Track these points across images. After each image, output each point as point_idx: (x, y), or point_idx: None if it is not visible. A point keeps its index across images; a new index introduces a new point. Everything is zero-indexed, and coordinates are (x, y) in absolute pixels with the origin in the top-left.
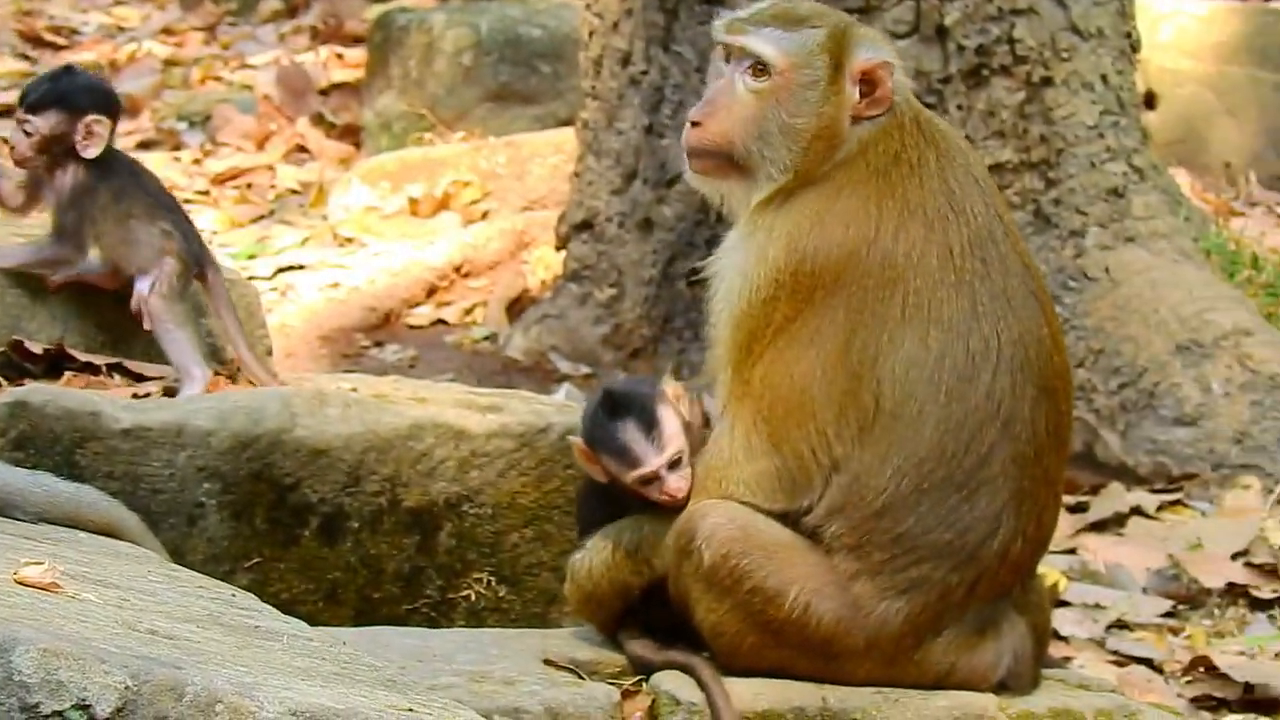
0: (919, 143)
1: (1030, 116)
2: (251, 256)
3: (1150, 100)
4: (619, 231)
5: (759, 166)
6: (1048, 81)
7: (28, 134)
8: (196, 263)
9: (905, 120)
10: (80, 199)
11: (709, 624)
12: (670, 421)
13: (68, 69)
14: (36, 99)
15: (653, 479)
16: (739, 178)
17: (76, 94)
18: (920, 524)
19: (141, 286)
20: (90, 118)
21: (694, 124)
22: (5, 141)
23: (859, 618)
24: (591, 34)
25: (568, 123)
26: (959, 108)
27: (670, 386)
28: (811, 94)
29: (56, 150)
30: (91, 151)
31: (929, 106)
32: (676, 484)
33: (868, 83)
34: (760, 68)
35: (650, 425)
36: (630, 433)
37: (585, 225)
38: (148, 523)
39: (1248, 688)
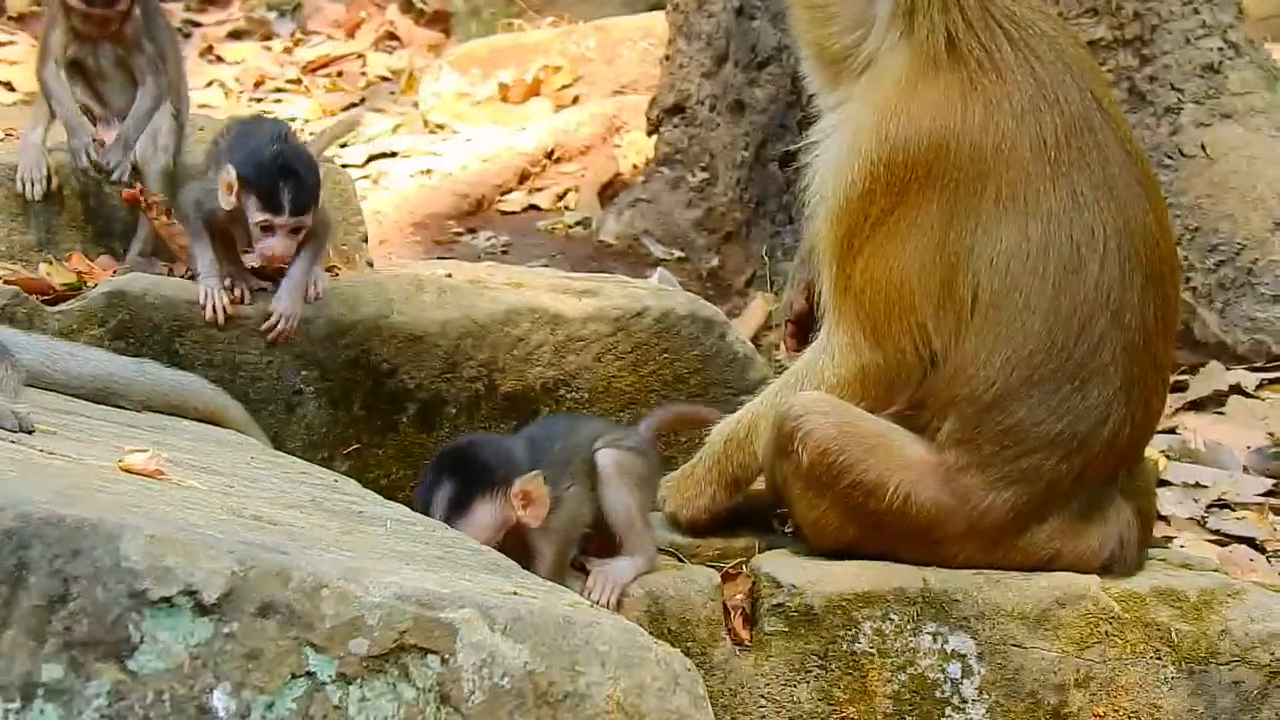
0: (977, 28)
1: None
2: (343, 145)
3: None
4: (710, 115)
5: (804, 50)
6: None
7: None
8: None
9: (937, 3)
10: None
11: (810, 519)
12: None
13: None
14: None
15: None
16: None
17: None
18: (1031, 415)
19: None
20: None
21: None
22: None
23: (963, 507)
24: None
25: (657, 6)
26: None
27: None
28: None
29: None
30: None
31: None
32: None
33: None
34: None
35: None
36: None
37: (676, 109)
38: (246, 410)
39: None
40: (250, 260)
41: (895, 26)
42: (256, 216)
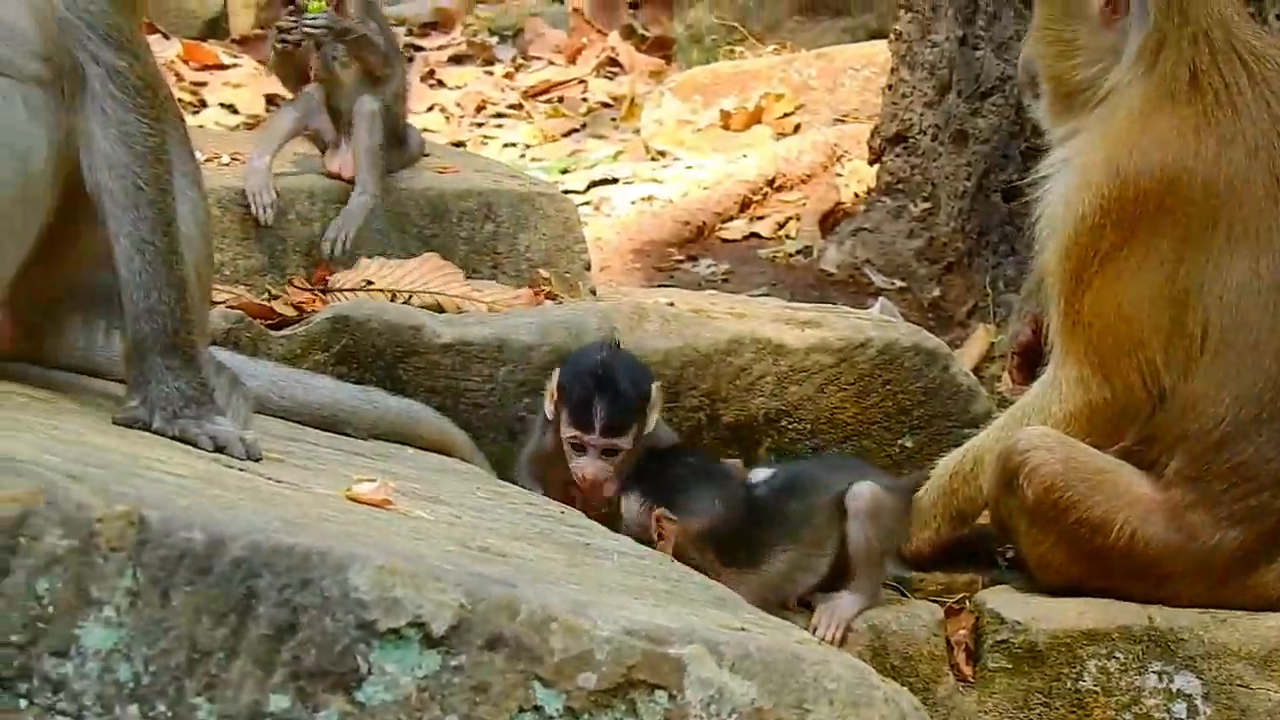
0: (1220, 63)
1: None
2: (565, 171)
3: None
4: (933, 144)
5: (1042, 83)
6: None
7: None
8: None
9: (1187, 36)
10: None
11: (1034, 554)
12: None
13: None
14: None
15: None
16: (1038, 96)
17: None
18: (1260, 453)
19: None
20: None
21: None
22: None
23: (1190, 544)
24: None
25: (879, 34)
26: (1278, 18)
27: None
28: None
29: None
30: (650, 425)
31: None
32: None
33: None
34: None
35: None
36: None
37: (899, 138)
38: (470, 438)
39: None
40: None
41: (1141, 60)
42: (566, 432)
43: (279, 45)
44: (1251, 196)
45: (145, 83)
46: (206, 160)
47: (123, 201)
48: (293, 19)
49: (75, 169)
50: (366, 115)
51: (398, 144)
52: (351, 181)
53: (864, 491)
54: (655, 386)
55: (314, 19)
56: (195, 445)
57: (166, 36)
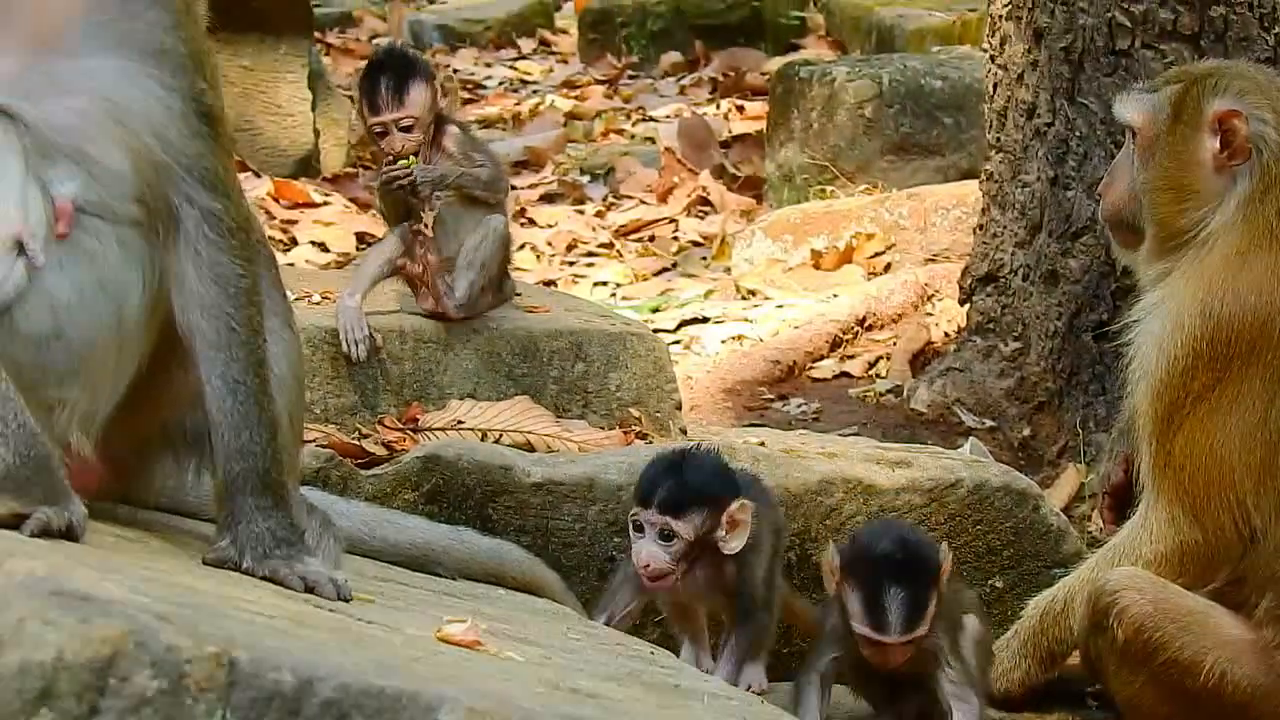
0: None
1: None
2: (656, 310)
3: None
4: (1023, 284)
5: (1143, 228)
6: None
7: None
8: None
9: None
10: None
11: (1125, 695)
12: None
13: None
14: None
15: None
16: (1138, 243)
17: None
18: None
19: None
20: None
21: (1097, 196)
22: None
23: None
24: (996, 86)
25: (970, 174)
26: None
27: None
28: (1159, 148)
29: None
30: (734, 546)
31: None
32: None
33: (1223, 131)
34: (1131, 133)
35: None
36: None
37: (990, 278)
38: (560, 578)
39: None
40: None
41: (1247, 204)
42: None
43: (384, 188)
44: None
45: (239, 224)
46: (297, 299)
47: (215, 342)
48: (394, 171)
49: (169, 310)
50: (482, 228)
51: (497, 284)
52: (446, 318)
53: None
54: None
55: (408, 172)
56: (285, 585)
57: (258, 175)
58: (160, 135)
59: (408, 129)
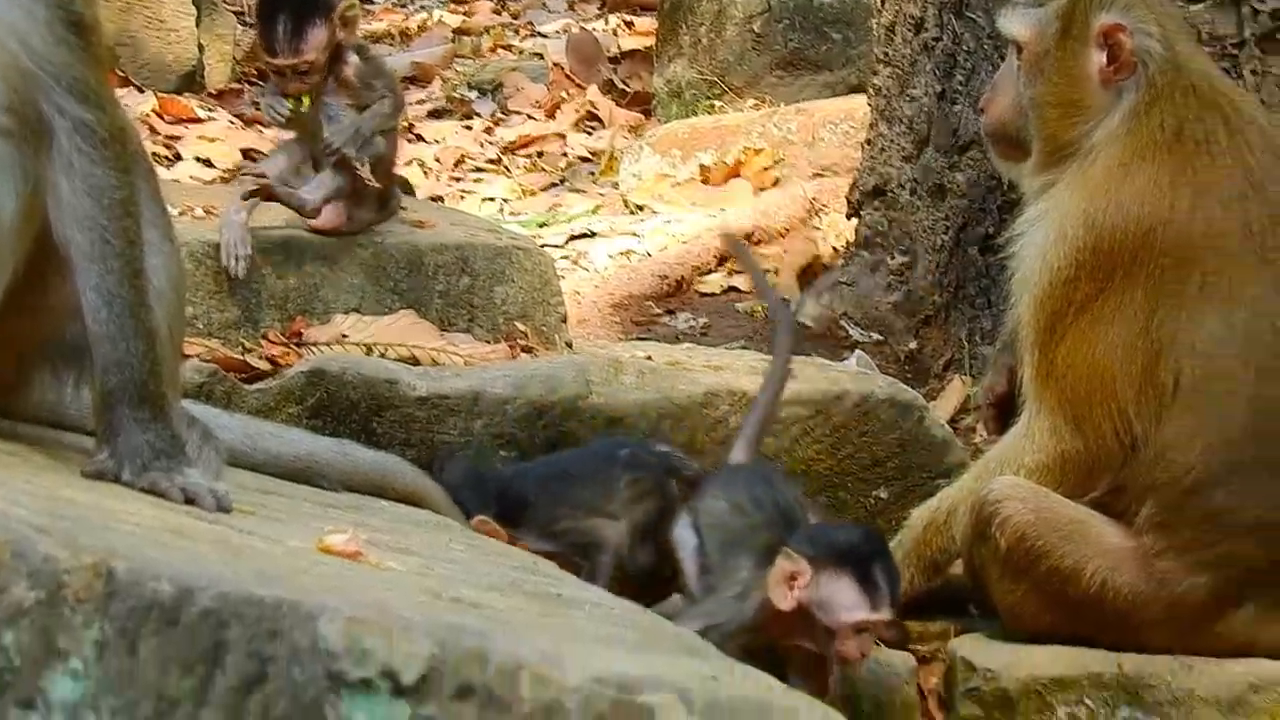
0: (1203, 115)
1: None
2: (543, 225)
3: None
4: (911, 198)
5: (1029, 142)
6: None
7: None
8: None
9: (1179, 89)
10: None
11: (1007, 604)
12: None
13: None
14: None
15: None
16: (1022, 156)
17: None
18: (1230, 501)
19: None
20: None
21: (980, 110)
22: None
23: (1160, 592)
24: (884, 0)
25: (858, 89)
26: (1253, 73)
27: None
28: (1047, 62)
29: None
30: None
31: (1224, 72)
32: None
33: (1110, 46)
34: (1016, 47)
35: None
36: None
37: (877, 192)
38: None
39: None
40: None
41: (1131, 116)
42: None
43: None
44: (1225, 248)
45: (113, 135)
46: (180, 214)
47: (90, 254)
48: (280, 112)
49: (44, 221)
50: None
51: (384, 199)
52: (330, 233)
53: None
54: None
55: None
56: (165, 497)
57: (141, 90)
58: (25, 42)
59: (304, 74)
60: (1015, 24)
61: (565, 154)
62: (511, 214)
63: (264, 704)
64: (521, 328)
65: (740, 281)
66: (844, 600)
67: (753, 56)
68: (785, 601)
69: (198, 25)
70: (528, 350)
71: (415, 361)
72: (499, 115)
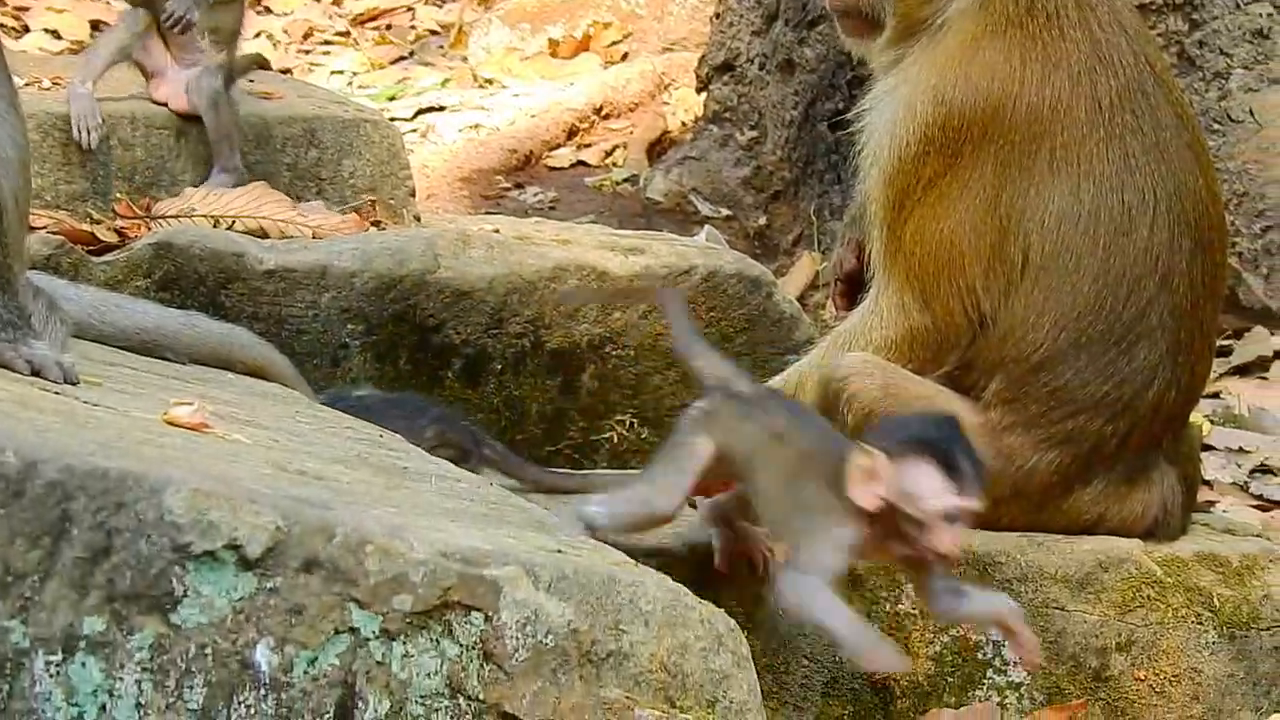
0: None
1: None
2: (392, 98)
3: None
4: (760, 73)
5: (883, 18)
6: None
7: None
8: None
9: None
10: None
11: None
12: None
13: None
14: None
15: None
16: (874, 32)
17: None
18: (1078, 377)
19: None
20: None
21: None
22: None
23: (1007, 468)
24: None
25: None
26: None
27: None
28: None
29: None
30: None
31: None
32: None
33: None
34: None
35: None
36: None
37: (726, 67)
38: (292, 364)
39: None
40: None
41: None
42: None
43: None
44: (1074, 122)
45: None
46: (27, 85)
47: None
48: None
49: None
50: (209, 95)
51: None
52: (179, 115)
53: None
54: None
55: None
56: (10, 368)
57: None
58: None
59: None
60: None
61: (414, 27)
62: (360, 88)
63: (110, 576)
64: (370, 200)
65: (588, 156)
66: (930, 487)
67: None
68: (869, 500)
69: None
70: (376, 224)
71: (264, 234)
72: None
